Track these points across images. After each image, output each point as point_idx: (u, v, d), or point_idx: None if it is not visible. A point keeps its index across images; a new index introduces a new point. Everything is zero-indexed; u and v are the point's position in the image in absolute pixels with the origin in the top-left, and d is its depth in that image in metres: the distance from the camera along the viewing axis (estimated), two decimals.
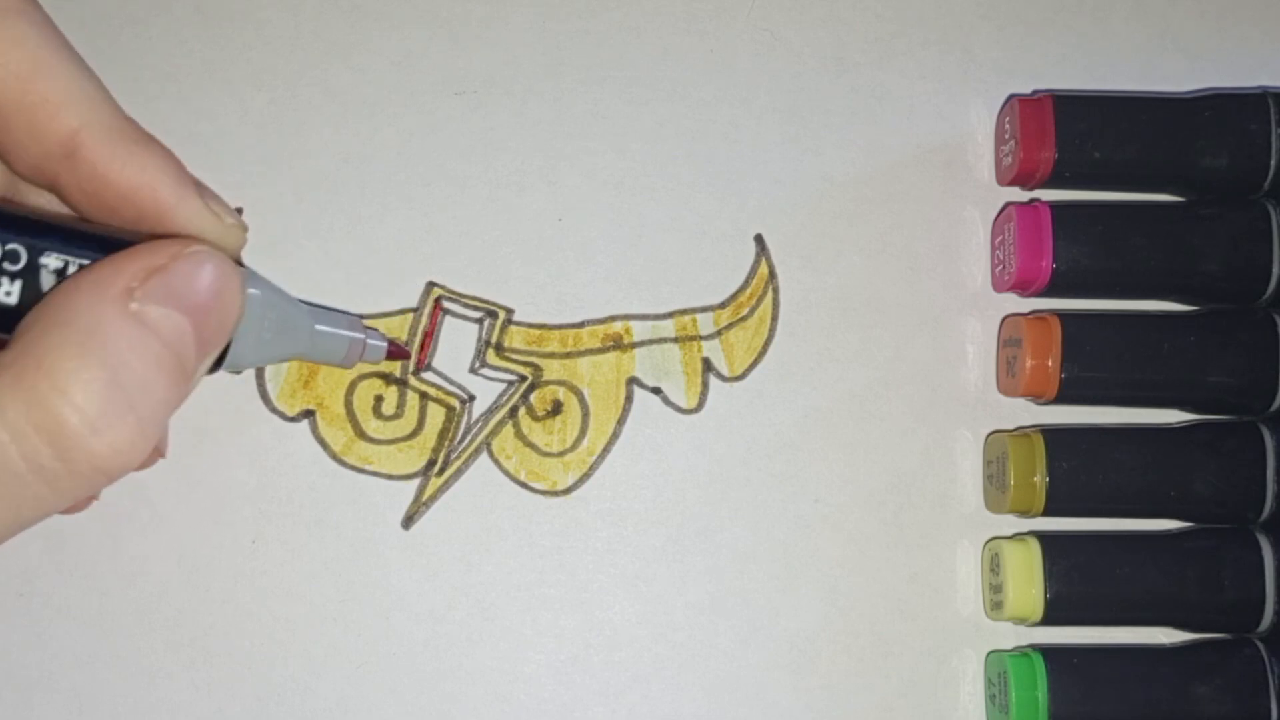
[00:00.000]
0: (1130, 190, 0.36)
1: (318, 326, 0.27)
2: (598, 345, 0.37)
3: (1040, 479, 0.34)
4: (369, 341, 0.30)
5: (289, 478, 0.36)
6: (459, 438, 0.36)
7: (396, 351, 0.32)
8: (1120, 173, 0.35)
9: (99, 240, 0.21)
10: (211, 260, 0.21)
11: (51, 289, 0.20)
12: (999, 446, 0.35)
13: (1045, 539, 0.35)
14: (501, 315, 0.37)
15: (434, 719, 0.35)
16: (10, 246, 0.20)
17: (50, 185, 0.23)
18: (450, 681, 0.35)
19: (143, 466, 0.23)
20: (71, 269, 0.21)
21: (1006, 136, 0.36)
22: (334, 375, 0.36)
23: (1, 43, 0.21)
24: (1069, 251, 0.35)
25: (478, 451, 0.36)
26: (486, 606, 0.36)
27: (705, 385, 0.37)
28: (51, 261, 0.20)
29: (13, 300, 0.20)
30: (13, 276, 0.20)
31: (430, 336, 0.36)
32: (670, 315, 0.37)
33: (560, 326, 0.37)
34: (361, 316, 0.36)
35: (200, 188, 0.24)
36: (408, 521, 0.36)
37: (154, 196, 0.23)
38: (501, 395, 0.36)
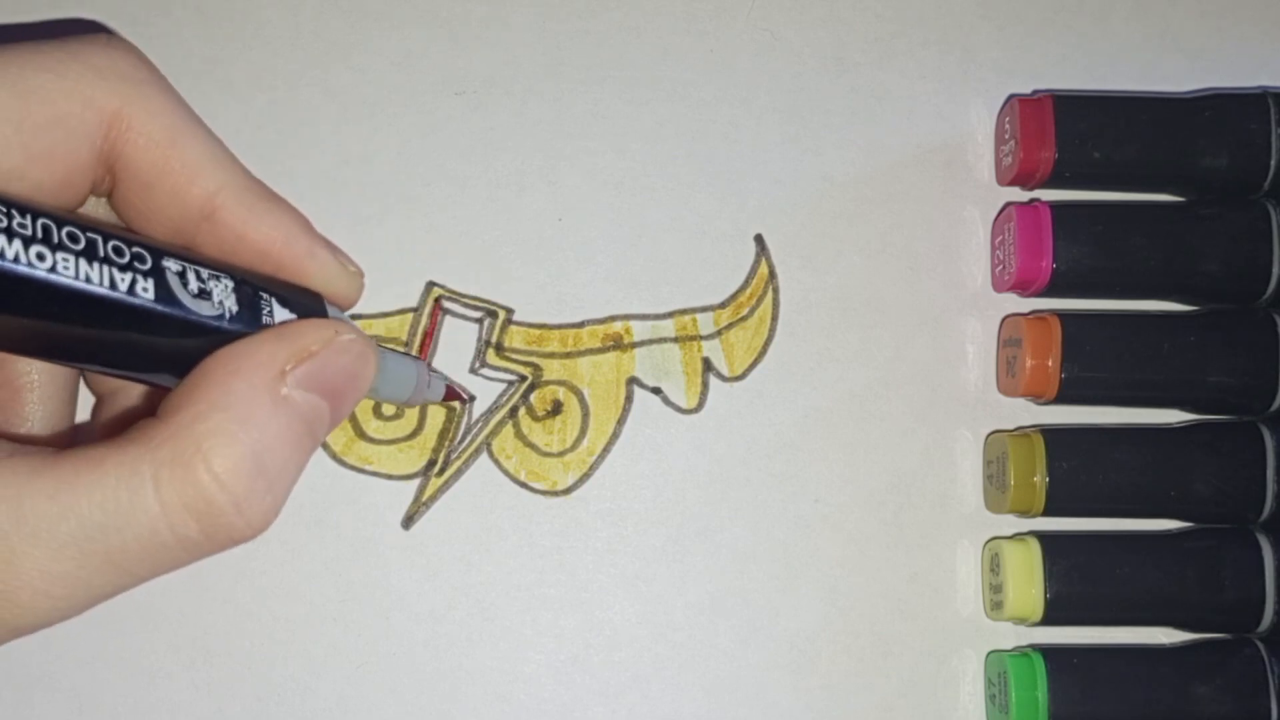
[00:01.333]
0: (1130, 190, 0.36)
1: (393, 367, 0.28)
2: (598, 345, 0.37)
3: (1040, 479, 0.34)
4: (436, 384, 0.31)
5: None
6: (459, 438, 0.36)
7: (452, 394, 0.34)
8: (1120, 173, 0.35)
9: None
10: (358, 346, 0.23)
11: (208, 357, 0.21)
12: (999, 446, 0.35)
13: (1045, 539, 0.35)
14: (501, 315, 0.37)
15: (434, 719, 0.35)
16: (135, 249, 0.21)
17: (187, 246, 0.24)
18: (450, 681, 0.35)
19: None
20: (190, 273, 0.22)
21: (1006, 136, 0.36)
22: None
23: (142, 114, 0.23)
24: (1069, 251, 0.35)
25: (478, 451, 0.36)
26: (486, 606, 0.36)
27: (705, 385, 0.37)
28: (172, 265, 0.21)
29: (150, 296, 0.21)
30: (145, 274, 0.21)
31: (430, 336, 0.36)
32: (670, 315, 0.37)
33: (560, 326, 0.37)
34: (361, 316, 0.36)
35: (326, 241, 0.25)
36: (408, 521, 0.36)
37: (288, 251, 0.24)
38: (501, 395, 0.36)
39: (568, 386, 0.36)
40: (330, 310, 0.25)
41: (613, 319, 0.37)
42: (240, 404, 0.21)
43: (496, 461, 0.36)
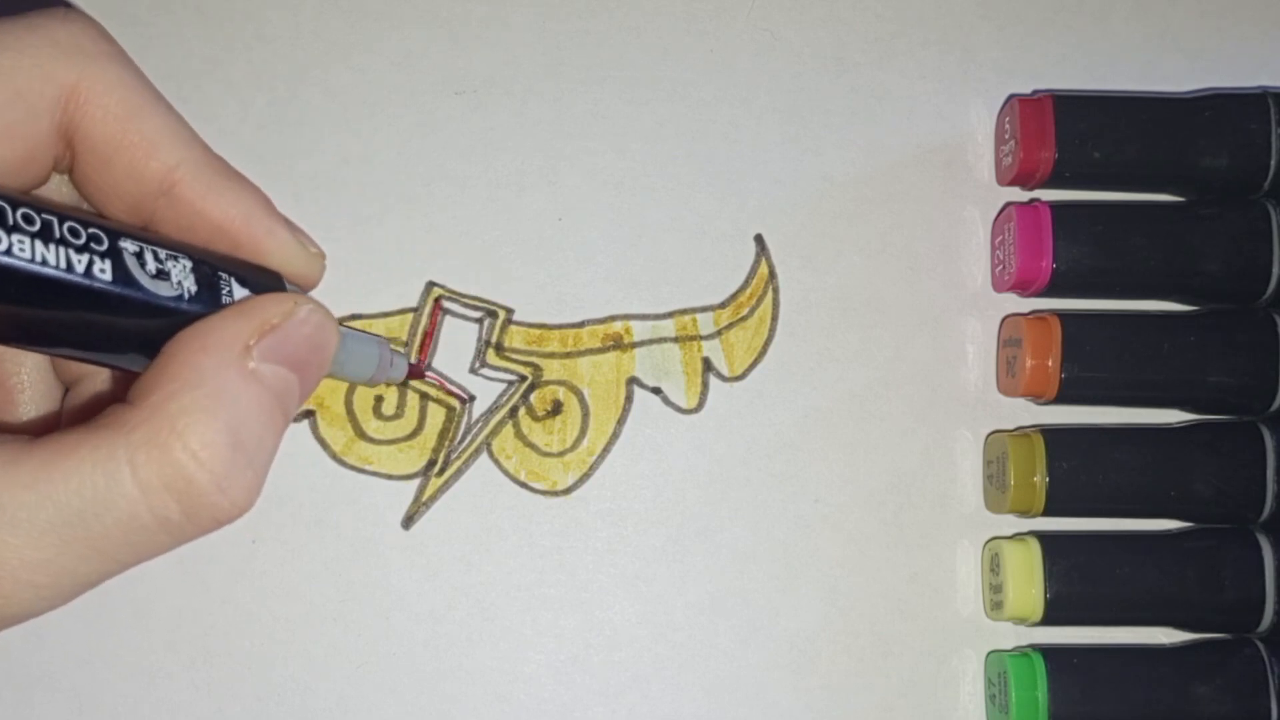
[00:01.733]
0: (1130, 190, 0.36)
1: (355, 347, 0.28)
2: (598, 345, 0.37)
3: (1040, 479, 0.34)
4: (398, 363, 0.31)
5: (289, 478, 0.36)
6: (459, 438, 0.36)
7: (415, 371, 0.34)
8: (1120, 173, 0.35)
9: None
10: (317, 316, 0.23)
11: (171, 338, 0.21)
12: (999, 446, 0.35)
13: (1045, 539, 0.35)
14: (501, 315, 0.37)
15: (434, 719, 0.35)
16: (91, 230, 0.21)
17: (145, 223, 0.24)
18: (450, 681, 0.35)
19: None
20: (147, 254, 0.21)
21: (1006, 136, 0.36)
22: None
23: (99, 87, 0.22)
24: (1069, 251, 0.35)
25: (478, 451, 0.36)
26: (486, 606, 0.36)
27: (705, 385, 0.37)
28: (129, 245, 0.21)
29: (108, 277, 0.21)
30: (102, 255, 0.21)
31: (430, 336, 0.36)
32: (670, 315, 0.37)
33: (560, 326, 0.37)
34: (361, 316, 0.36)
35: (286, 220, 0.25)
36: (408, 521, 0.36)
37: (247, 229, 0.24)
38: (501, 395, 0.36)
39: (568, 386, 0.36)
40: (289, 288, 0.25)
41: (613, 319, 0.37)
42: (210, 380, 0.21)
43: (496, 461, 0.36)
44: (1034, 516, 0.35)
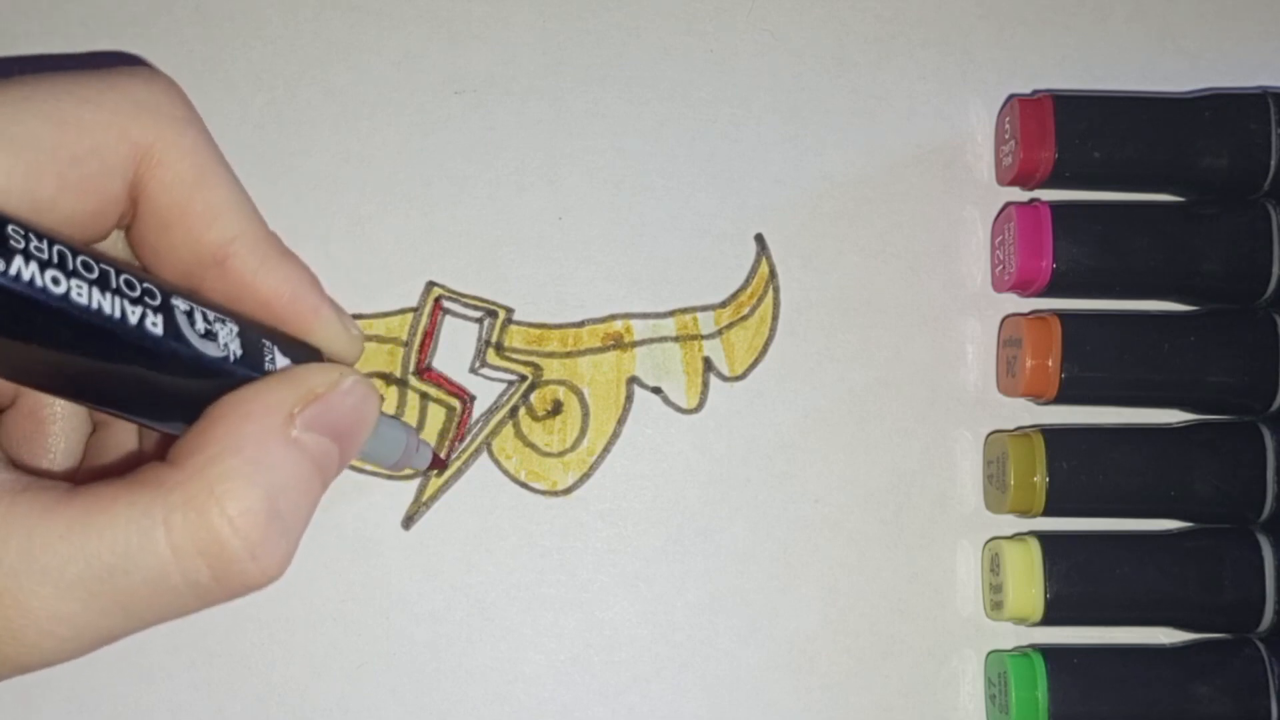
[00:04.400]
0: (1130, 190, 0.36)
1: (384, 429, 0.28)
2: (598, 344, 0.37)
3: (1040, 479, 0.34)
4: (423, 450, 0.31)
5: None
6: (459, 438, 0.36)
7: (436, 462, 0.34)
8: (1120, 173, 0.35)
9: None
10: (362, 388, 0.23)
11: (214, 402, 0.21)
12: (999, 446, 0.35)
13: (1045, 539, 0.35)
14: (501, 315, 0.37)
15: (434, 719, 0.35)
16: (146, 285, 0.21)
17: (194, 289, 0.24)
18: (450, 681, 0.35)
19: None
20: (197, 314, 0.22)
21: (1006, 136, 0.36)
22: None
23: (175, 151, 0.23)
24: (1069, 251, 0.35)
25: (478, 451, 0.36)
26: (486, 606, 0.36)
27: (706, 385, 0.37)
28: (181, 304, 0.21)
29: (159, 331, 0.21)
30: (155, 310, 0.21)
31: (430, 336, 0.36)
32: (671, 314, 0.37)
33: (560, 326, 0.37)
34: (361, 316, 0.36)
35: (332, 301, 0.26)
36: (408, 521, 0.36)
37: (294, 306, 0.24)
38: (501, 395, 0.36)
39: (568, 386, 0.36)
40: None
41: (613, 318, 0.37)
42: (253, 447, 0.21)
43: (496, 461, 0.36)
44: (1034, 516, 0.35)
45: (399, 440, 0.28)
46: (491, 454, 0.36)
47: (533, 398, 0.36)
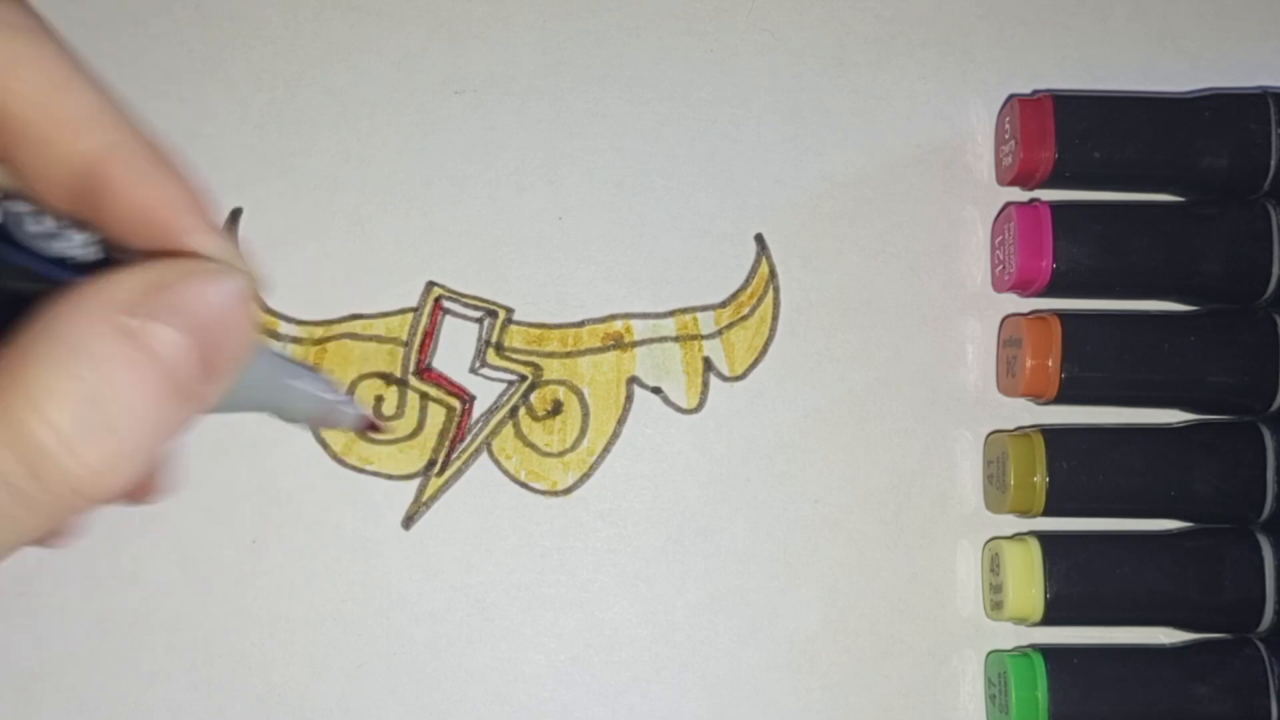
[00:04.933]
0: (1130, 190, 0.36)
1: (292, 381, 0.26)
2: (598, 344, 0.37)
3: (1040, 479, 0.34)
4: (344, 409, 0.28)
5: (289, 478, 0.36)
6: (459, 438, 0.36)
7: (370, 425, 0.30)
8: (1120, 173, 0.35)
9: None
10: (227, 279, 0.20)
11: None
12: (999, 446, 0.35)
13: (1045, 539, 0.35)
14: (501, 315, 0.37)
15: (434, 719, 0.35)
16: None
17: (74, 210, 0.22)
18: (450, 681, 0.35)
19: (140, 500, 0.23)
20: (47, 218, 0.20)
21: (1006, 136, 0.36)
22: (335, 373, 0.36)
23: (18, 62, 0.21)
24: (1069, 251, 0.35)
25: (478, 451, 0.36)
26: (486, 606, 0.36)
27: (705, 385, 0.37)
28: (17, 206, 0.20)
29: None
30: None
31: (430, 336, 0.36)
32: (671, 314, 0.37)
33: (560, 326, 0.37)
34: (362, 316, 0.36)
35: (218, 228, 0.23)
36: (408, 521, 0.36)
37: (172, 221, 0.22)
38: (501, 395, 0.36)
39: (568, 386, 0.36)
40: None
41: (613, 318, 0.37)
42: (71, 333, 0.18)
43: (496, 461, 0.36)
44: (1034, 516, 0.35)
45: (306, 390, 0.26)
46: (491, 454, 0.36)
47: (533, 398, 0.36)
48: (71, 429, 0.18)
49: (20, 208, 0.20)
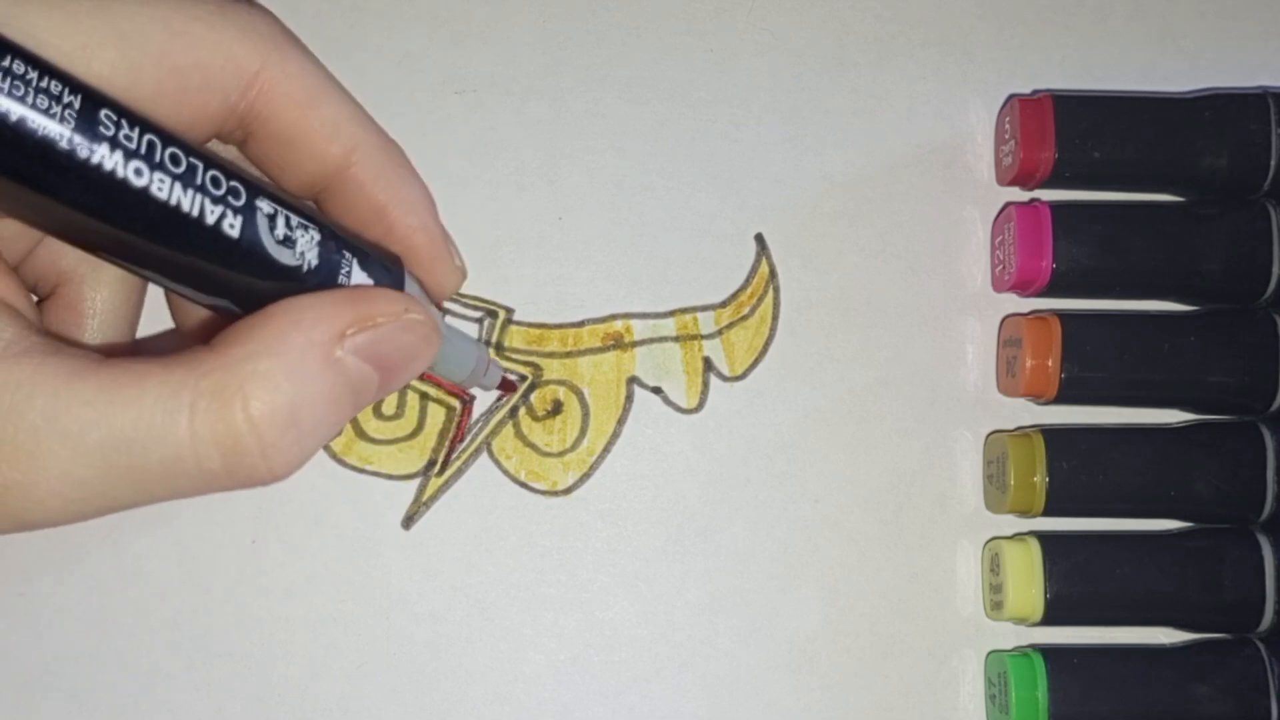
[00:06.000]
0: (1130, 190, 0.36)
1: (461, 345, 0.29)
2: (598, 344, 0.37)
3: (1040, 479, 0.34)
4: (494, 368, 0.31)
5: (289, 478, 0.36)
6: (459, 438, 0.36)
7: (507, 384, 0.35)
8: (1120, 173, 0.35)
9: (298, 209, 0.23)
10: (423, 330, 0.23)
11: (275, 303, 0.22)
12: (999, 446, 0.35)
13: (1045, 539, 0.35)
14: (501, 315, 0.37)
15: (434, 719, 0.35)
16: (232, 183, 0.21)
17: (314, 198, 0.25)
18: (450, 681, 0.35)
19: None
20: (280, 218, 0.22)
21: (1006, 136, 0.36)
22: None
23: (282, 76, 0.24)
24: (1069, 251, 0.35)
25: (478, 451, 0.36)
26: (486, 606, 0.36)
27: (706, 385, 0.37)
28: (264, 206, 0.22)
29: (235, 233, 0.21)
30: (235, 211, 0.21)
31: None
32: (671, 314, 0.37)
33: (560, 326, 0.37)
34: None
35: (443, 229, 0.26)
36: (408, 521, 0.36)
37: (404, 219, 0.25)
38: (502, 395, 0.36)
39: (568, 386, 0.36)
40: (409, 286, 0.25)
41: (613, 318, 0.37)
42: (292, 354, 0.21)
43: (496, 461, 0.36)
44: (1034, 516, 0.35)
45: (468, 361, 0.28)
46: (491, 454, 0.36)
47: (533, 398, 0.36)
48: (272, 439, 0.21)
49: (267, 208, 0.22)
